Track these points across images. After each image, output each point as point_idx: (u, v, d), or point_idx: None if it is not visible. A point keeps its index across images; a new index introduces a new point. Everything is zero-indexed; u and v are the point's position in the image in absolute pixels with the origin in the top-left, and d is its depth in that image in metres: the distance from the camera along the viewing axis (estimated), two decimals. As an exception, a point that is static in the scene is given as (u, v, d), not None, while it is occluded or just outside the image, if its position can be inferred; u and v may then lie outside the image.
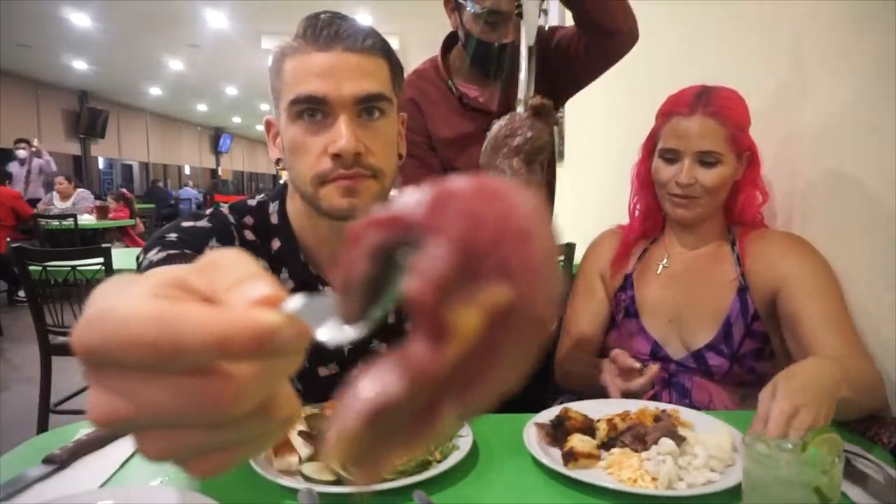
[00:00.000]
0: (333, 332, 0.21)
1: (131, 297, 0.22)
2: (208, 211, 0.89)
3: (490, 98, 1.48)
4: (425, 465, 0.74)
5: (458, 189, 0.19)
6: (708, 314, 1.12)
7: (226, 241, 0.84)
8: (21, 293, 5.36)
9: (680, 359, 1.13)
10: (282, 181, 0.97)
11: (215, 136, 18.75)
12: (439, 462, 0.75)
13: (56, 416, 2.31)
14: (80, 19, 7.39)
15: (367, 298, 0.21)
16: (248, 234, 0.89)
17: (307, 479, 0.71)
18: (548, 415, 0.89)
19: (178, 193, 12.72)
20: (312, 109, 0.79)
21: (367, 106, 0.80)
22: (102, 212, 6.43)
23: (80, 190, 7.06)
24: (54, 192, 6.90)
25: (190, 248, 0.78)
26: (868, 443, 0.84)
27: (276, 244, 0.89)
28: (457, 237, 0.18)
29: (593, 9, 1.22)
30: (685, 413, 0.90)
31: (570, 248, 2.69)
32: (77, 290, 2.45)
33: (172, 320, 0.20)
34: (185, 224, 0.84)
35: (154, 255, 0.75)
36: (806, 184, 1.19)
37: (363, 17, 7.33)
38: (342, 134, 0.77)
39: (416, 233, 0.19)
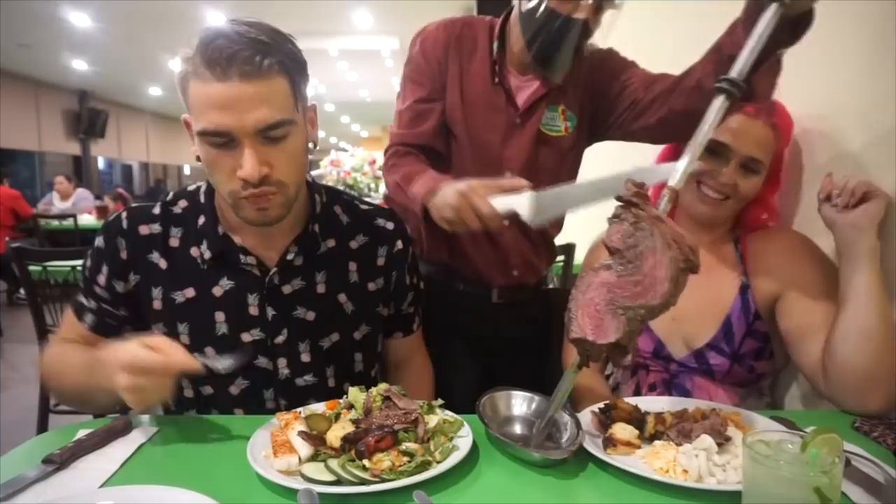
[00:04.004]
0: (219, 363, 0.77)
1: (124, 349, 0.78)
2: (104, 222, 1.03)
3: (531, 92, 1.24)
4: (425, 466, 0.74)
5: None
6: (709, 312, 1.12)
7: (111, 258, 0.99)
8: (21, 293, 5.37)
9: (681, 358, 1.13)
10: None
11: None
12: (439, 462, 0.75)
13: (56, 416, 2.31)
14: (80, 19, 7.39)
15: None
16: (156, 227, 1.00)
17: (307, 479, 0.71)
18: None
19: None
20: (219, 140, 0.85)
21: (269, 133, 0.85)
22: (102, 212, 6.44)
23: (79, 190, 7.07)
24: (54, 192, 6.91)
25: (90, 281, 1.01)
26: (873, 444, 0.83)
27: (201, 220, 1.00)
28: None
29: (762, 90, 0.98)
30: (748, 416, 0.89)
31: (569, 248, 2.69)
32: (77, 290, 2.44)
33: (148, 356, 0.76)
34: (91, 252, 1.02)
35: (82, 298, 1.04)
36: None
37: (363, 17, 7.32)
38: (247, 162, 0.84)
39: None
